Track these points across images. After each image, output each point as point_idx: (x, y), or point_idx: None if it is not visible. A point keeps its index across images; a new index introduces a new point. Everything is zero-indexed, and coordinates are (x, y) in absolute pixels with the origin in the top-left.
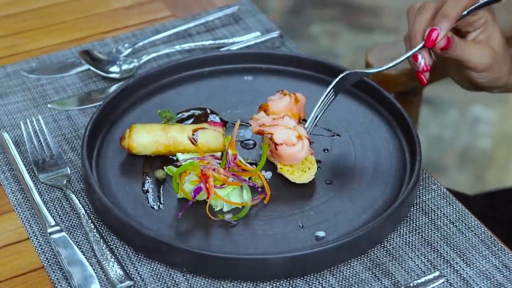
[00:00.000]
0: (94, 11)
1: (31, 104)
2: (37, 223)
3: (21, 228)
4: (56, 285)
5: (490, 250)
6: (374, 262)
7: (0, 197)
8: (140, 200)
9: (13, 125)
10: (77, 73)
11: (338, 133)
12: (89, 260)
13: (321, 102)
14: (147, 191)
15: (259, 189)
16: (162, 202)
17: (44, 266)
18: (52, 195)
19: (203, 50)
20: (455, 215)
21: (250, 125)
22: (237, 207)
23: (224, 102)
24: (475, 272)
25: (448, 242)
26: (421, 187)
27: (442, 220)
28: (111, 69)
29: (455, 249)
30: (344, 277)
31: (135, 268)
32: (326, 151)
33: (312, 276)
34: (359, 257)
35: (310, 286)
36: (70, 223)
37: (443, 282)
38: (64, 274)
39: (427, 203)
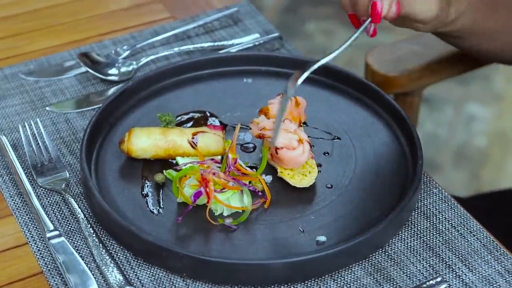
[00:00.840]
0: (93, 13)
1: (29, 107)
2: (36, 227)
3: (20, 232)
4: None
5: (492, 255)
6: (376, 267)
7: None
8: (139, 204)
9: (11, 128)
10: (75, 75)
11: (339, 136)
12: (88, 265)
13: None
14: (147, 195)
15: (260, 193)
16: (161, 206)
17: (43, 271)
18: (51, 199)
19: (202, 52)
20: (456, 220)
21: (251, 128)
22: (237, 211)
23: (224, 105)
24: (477, 277)
25: (450, 247)
26: (422, 190)
27: (443, 225)
28: (110, 72)
29: (456, 254)
30: (345, 282)
31: (135, 273)
32: (326, 154)
33: (313, 281)
34: (360, 262)
35: None
36: (69, 227)
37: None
38: (63, 280)
39: (428, 207)
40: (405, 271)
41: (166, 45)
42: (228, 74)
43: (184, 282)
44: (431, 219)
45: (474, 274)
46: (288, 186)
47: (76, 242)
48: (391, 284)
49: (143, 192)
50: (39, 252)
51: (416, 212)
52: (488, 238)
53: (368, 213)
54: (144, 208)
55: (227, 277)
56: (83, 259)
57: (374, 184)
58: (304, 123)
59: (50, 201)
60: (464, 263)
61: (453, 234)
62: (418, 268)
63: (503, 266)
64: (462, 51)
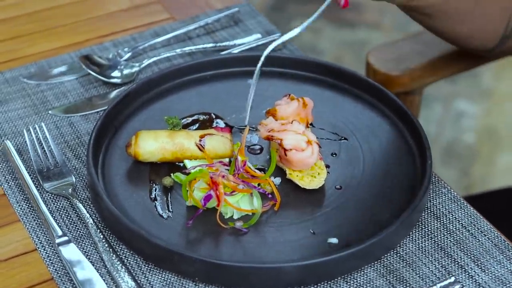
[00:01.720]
0: (92, 15)
1: (32, 111)
2: (44, 233)
3: (28, 238)
4: None
5: (504, 255)
6: (388, 268)
7: (5, 207)
8: (148, 208)
9: (15, 132)
10: (77, 78)
11: (346, 137)
12: (99, 271)
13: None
14: (155, 199)
15: (269, 196)
16: (170, 210)
17: (53, 278)
18: (58, 204)
19: (204, 53)
20: (467, 219)
21: (258, 130)
22: (247, 214)
23: (228, 107)
24: (490, 277)
25: (461, 247)
26: (431, 191)
27: (454, 225)
28: (113, 74)
29: (468, 254)
30: (358, 284)
31: (146, 278)
32: (334, 155)
33: (325, 284)
34: (373, 263)
35: None
36: (78, 232)
37: None
38: (74, 286)
39: (438, 207)
40: (418, 272)
41: (167, 46)
42: (232, 75)
43: (197, 286)
44: (441, 219)
45: (486, 274)
46: (297, 188)
47: (85, 248)
48: (404, 286)
49: (151, 196)
50: (49, 258)
51: (426, 213)
52: (499, 238)
53: (378, 214)
54: (153, 212)
55: (240, 281)
56: (93, 265)
57: (383, 184)
58: (311, 124)
59: (57, 206)
60: (476, 263)
61: (464, 234)
62: (430, 269)
63: None
64: (430, 31)
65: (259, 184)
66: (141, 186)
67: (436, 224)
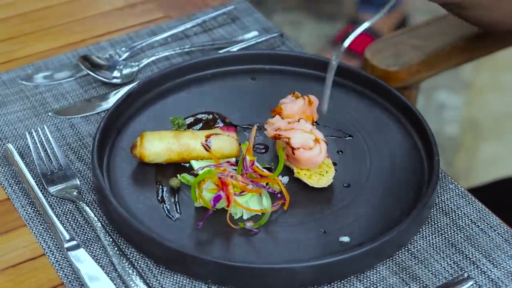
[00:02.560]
0: (86, 14)
1: (32, 113)
2: (52, 238)
3: (35, 243)
4: None
5: None
6: (400, 266)
7: (10, 212)
8: (156, 210)
9: (15, 135)
10: (75, 79)
11: (351, 134)
12: (110, 275)
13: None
14: (163, 200)
15: (279, 195)
16: (179, 211)
17: (63, 283)
18: (64, 208)
19: (202, 52)
20: (476, 215)
21: (265, 129)
22: (257, 214)
23: (231, 105)
24: (503, 273)
25: (472, 243)
26: (438, 186)
27: (463, 220)
28: (113, 75)
29: (480, 249)
30: (372, 282)
31: (158, 281)
32: (340, 153)
33: (339, 283)
34: (385, 261)
35: None
36: (86, 236)
37: (472, 285)
38: None
39: (446, 203)
40: (430, 269)
41: (164, 45)
42: (232, 73)
43: None
44: (450, 215)
45: (499, 269)
46: (305, 187)
47: (94, 252)
48: (418, 283)
49: (158, 198)
50: (58, 263)
51: (435, 209)
52: (509, 233)
53: (388, 212)
54: (161, 214)
55: (253, 282)
56: (103, 269)
57: (390, 181)
58: (316, 122)
59: (63, 210)
60: (488, 259)
61: (474, 230)
62: (442, 266)
63: None
64: (465, 20)
65: (267, 184)
66: (148, 188)
67: (445, 220)
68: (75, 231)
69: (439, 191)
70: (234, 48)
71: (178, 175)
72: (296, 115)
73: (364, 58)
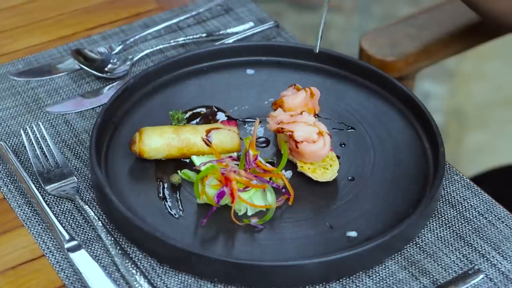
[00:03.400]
0: (77, 6)
1: (25, 110)
2: (51, 238)
3: (34, 244)
4: None
5: None
6: (409, 260)
7: (7, 212)
8: (158, 208)
9: (9, 133)
10: (68, 73)
11: (353, 126)
12: (112, 275)
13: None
14: (164, 197)
15: (283, 190)
16: (181, 208)
17: (65, 285)
18: (62, 206)
19: (197, 44)
20: (483, 206)
21: (267, 122)
22: (261, 210)
23: (229, 98)
24: None
25: (481, 235)
26: (444, 178)
27: (470, 212)
28: (106, 69)
29: (488, 242)
30: (381, 278)
31: (163, 281)
32: (343, 145)
33: (347, 279)
34: (393, 256)
35: None
36: (86, 236)
37: (482, 278)
38: None
39: (452, 195)
40: (440, 263)
41: (158, 37)
42: (229, 66)
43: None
44: (457, 207)
45: (509, 262)
46: (309, 181)
47: (95, 251)
48: (428, 277)
49: (160, 195)
50: (58, 264)
51: (441, 201)
52: None
53: (395, 205)
54: (163, 211)
55: (261, 280)
56: (105, 269)
57: (395, 174)
58: (317, 114)
59: (61, 209)
60: (497, 251)
61: (482, 222)
62: (452, 259)
63: None
64: (473, 10)
65: (270, 179)
66: (148, 185)
67: (452, 212)
68: (74, 230)
69: (444, 182)
70: (230, 40)
71: (179, 171)
72: (298, 108)
73: (360, 48)
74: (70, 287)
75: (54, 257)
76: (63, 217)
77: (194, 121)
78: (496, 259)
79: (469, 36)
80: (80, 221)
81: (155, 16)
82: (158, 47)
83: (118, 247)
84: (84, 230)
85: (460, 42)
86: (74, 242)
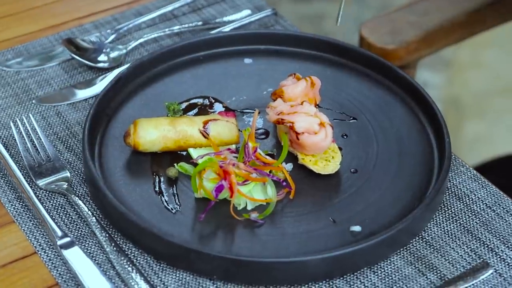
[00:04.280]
0: None
1: (15, 101)
2: (43, 234)
3: (26, 241)
4: None
5: None
6: (415, 255)
7: None
8: (154, 203)
9: None
10: (59, 63)
11: (354, 117)
12: (107, 273)
13: None
14: (161, 192)
15: (284, 183)
16: (178, 203)
17: (58, 283)
18: (54, 202)
19: (192, 33)
20: (490, 199)
21: (266, 113)
22: (261, 204)
23: (226, 89)
24: None
25: (489, 229)
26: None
27: (478, 205)
28: (99, 58)
29: (497, 235)
30: (386, 274)
31: (159, 279)
32: (345, 136)
33: (352, 276)
34: (398, 251)
35: (352, 287)
36: (79, 232)
37: (492, 273)
38: None
39: (458, 187)
40: (447, 258)
41: (152, 26)
42: (226, 55)
43: (215, 285)
44: (464, 199)
45: None
46: (311, 174)
47: (89, 248)
48: (435, 273)
49: (156, 189)
50: (51, 261)
51: (447, 193)
52: None
53: (399, 198)
54: (160, 206)
55: (261, 277)
56: (100, 267)
57: (399, 165)
58: (318, 105)
59: (53, 204)
60: (506, 245)
61: (490, 215)
62: (459, 254)
63: None
64: None
65: (270, 171)
66: (144, 179)
67: (459, 205)
68: (67, 226)
69: (450, 174)
70: (227, 28)
71: (175, 164)
72: (298, 98)
73: (360, 36)
74: (63, 286)
75: (46, 254)
76: (55, 212)
77: (191, 112)
78: (506, 253)
79: (472, 23)
80: (73, 217)
81: (148, 4)
82: (153, 36)
83: (113, 244)
84: (78, 226)
85: (464, 29)
86: (67, 239)
